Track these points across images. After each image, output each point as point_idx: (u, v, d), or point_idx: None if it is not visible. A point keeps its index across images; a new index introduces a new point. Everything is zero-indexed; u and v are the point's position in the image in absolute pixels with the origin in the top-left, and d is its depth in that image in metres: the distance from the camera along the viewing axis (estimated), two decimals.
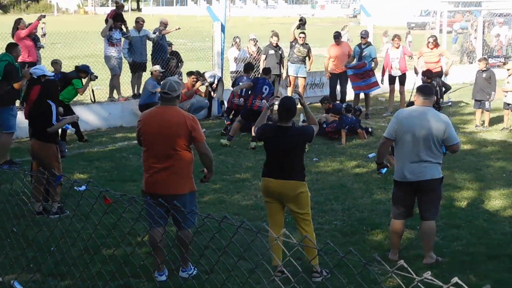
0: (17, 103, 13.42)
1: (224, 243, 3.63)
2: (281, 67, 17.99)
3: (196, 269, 7.22)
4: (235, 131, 14.14)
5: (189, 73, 16.60)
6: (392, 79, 17.70)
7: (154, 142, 6.90)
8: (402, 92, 17.73)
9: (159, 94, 15.14)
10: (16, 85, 12.01)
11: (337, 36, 18.29)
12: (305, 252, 6.95)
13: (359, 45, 17.47)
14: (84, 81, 14.14)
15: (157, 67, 15.91)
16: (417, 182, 7.53)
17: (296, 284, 3.13)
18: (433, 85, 14.33)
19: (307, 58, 18.08)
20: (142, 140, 7.04)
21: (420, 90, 7.72)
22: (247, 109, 14.18)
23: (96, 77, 14.44)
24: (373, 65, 17.30)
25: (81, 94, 14.28)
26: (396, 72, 17.48)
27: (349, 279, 6.86)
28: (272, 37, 17.95)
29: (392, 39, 17.87)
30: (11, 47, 12.46)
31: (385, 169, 8.52)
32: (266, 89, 14.26)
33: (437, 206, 7.75)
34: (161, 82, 7.25)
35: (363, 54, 17.19)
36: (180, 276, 7.05)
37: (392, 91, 17.84)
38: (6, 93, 12.04)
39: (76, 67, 14.37)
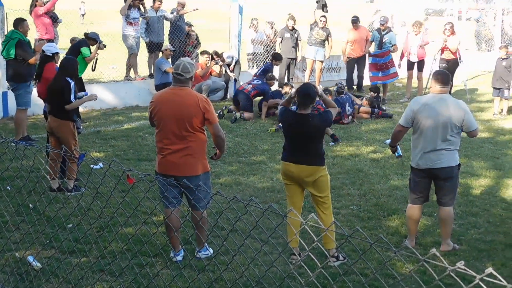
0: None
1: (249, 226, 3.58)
2: (297, 50, 17.91)
3: (211, 249, 7.23)
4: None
5: (203, 52, 16.55)
6: (410, 65, 17.58)
7: (167, 123, 6.88)
8: (419, 78, 17.60)
9: (171, 74, 15.30)
10: (31, 61, 12.03)
11: (355, 21, 18.20)
12: (323, 236, 6.93)
13: (378, 31, 17.34)
14: (93, 48, 13.76)
15: (168, 46, 15.91)
16: (434, 169, 7.50)
17: (316, 269, 3.10)
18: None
19: (326, 42, 17.98)
20: (155, 121, 7.01)
21: (437, 77, 7.60)
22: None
23: (105, 45, 14.23)
24: (392, 49, 17.23)
25: (88, 63, 13.74)
26: (414, 58, 17.35)
27: (374, 266, 6.85)
28: (288, 20, 17.86)
29: (412, 25, 17.70)
30: (18, 23, 12.36)
31: (399, 152, 8.45)
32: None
33: (454, 192, 7.71)
34: (175, 63, 7.19)
35: (384, 40, 17.10)
36: (197, 257, 7.05)
37: (410, 77, 17.73)
38: (22, 69, 12.10)
39: (85, 34, 14.08)
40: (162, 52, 15.89)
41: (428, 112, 7.45)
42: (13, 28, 12.41)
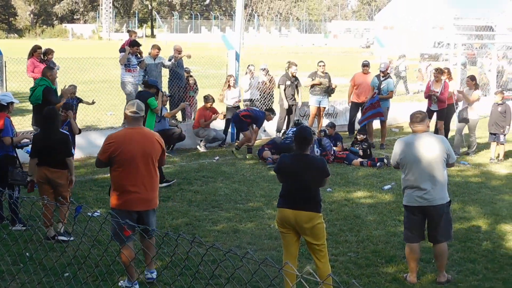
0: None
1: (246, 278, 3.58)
2: (296, 98, 18.02)
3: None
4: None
5: (206, 98, 16.64)
6: (431, 114, 16.39)
7: (133, 161, 7.27)
8: (440, 128, 16.66)
9: (168, 119, 15.55)
10: (57, 106, 12.18)
11: (367, 65, 18.32)
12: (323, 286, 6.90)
13: (377, 77, 17.35)
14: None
15: (165, 92, 16.05)
16: (427, 207, 7.73)
17: None
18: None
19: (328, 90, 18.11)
20: (117, 160, 7.31)
21: (415, 117, 7.94)
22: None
23: (170, 96, 14.15)
24: (388, 95, 17.23)
25: (157, 113, 13.58)
26: (435, 107, 16.59)
27: None
28: (290, 67, 17.95)
29: (435, 73, 16.76)
30: (46, 71, 12.87)
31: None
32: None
33: (448, 228, 7.89)
34: (129, 102, 7.54)
35: (382, 87, 17.14)
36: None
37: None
38: None
39: (145, 81, 13.93)
40: None
41: (414, 152, 7.75)
42: (41, 76, 12.82)
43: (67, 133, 9.39)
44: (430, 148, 7.73)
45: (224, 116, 17.12)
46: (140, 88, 17.12)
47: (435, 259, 8.12)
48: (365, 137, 15.87)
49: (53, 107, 10.28)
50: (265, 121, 16.15)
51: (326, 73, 18.20)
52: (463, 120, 16.00)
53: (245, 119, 15.64)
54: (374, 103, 17.00)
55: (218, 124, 17.30)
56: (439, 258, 7.98)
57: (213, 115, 16.53)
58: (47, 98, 12.44)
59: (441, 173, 7.73)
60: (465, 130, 16.27)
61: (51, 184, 9.38)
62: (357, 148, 15.66)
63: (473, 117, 15.93)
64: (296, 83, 17.88)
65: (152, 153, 7.42)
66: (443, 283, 7.93)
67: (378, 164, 14.73)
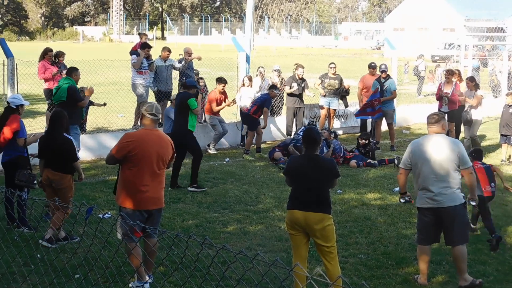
0: None
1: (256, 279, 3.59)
2: (303, 100, 18.03)
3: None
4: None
5: (220, 80, 16.60)
6: None
7: (148, 161, 7.48)
8: (451, 130, 16.33)
9: None
10: (81, 104, 13.15)
11: (374, 66, 18.27)
12: None
13: (378, 79, 17.24)
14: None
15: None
16: (437, 209, 7.73)
17: None
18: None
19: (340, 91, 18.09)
20: (133, 159, 7.46)
21: (430, 118, 7.95)
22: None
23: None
24: (392, 96, 17.13)
25: (197, 114, 13.46)
26: (445, 108, 16.51)
27: None
28: (297, 69, 17.97)
29: (446, 75, 16.97)
30: (71, 71, 13.34)
31: (406, 199, 8.57)
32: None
33: (464, 230, 7.85)
34: (148, 105, 7.66)
35: (384, 88, 17.04)
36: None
37: None
38: (73, 113, 12.58)
39: (183, 83, 13.94)
40: (171, 102, 16.00)
41: (425, 153, 7.75)
42: (66, 75, 13.30)
43: (70, 138, 9.38)
44: (439, 150, 7.70)
45: (235, 102, 17.00)
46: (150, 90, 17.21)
47: (455, 263, 8.04)
48: (367, 141, 15.82)
49: (62, 110, 10.26)
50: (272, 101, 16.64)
51: (338, 74, 18.19)
52: (467, 122, 15.94)
53: (255, 116, 15.89)
54: (374, 101, 16.87)
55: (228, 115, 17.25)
56: (457, 261, 7.91)
57: (225, 100, 16.53)
58: (72, 96, 12.85)
59: (451, 175, 7.67)
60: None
61: (53, 187, 9.39)
62: (360, 150, 15.67)
63: (476, 117, 15.87)
64: (303, 85, 17.87)
65: (165, 156, 7.65)
66: None
67: (374, 162, 14.94)
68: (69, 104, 12.63)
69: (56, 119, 9.54)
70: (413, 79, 33.32)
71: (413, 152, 7.89)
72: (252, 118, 16.00)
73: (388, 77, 17.27)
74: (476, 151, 10.92)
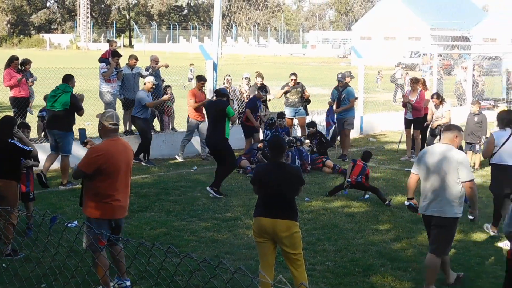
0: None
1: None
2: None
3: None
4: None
5: (200, 78, 16.75)
6: (407, 123, 16.88)
7: (120, 172, 7.51)
8: (416, 137, 16.80)
9: (150, 109, 15.57)
10: (80, 113, 13.60)
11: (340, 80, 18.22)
12: None
13: (337, 88, 17.23)
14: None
15: (151, 78, 16.00)
16: (427, 216, 7.90)
17: None
18: None
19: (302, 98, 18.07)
20: (106, 172, 7.41)
21: (445, 129, 8.08)
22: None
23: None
24: (350, 104, 17.09)
25: (234, 122, 13.95)
26: (410, 116, 16.73)
27: None
28: (256, 78, 18.14)
29: (411, 83, 17.08)
30: (68, 79, 13.46)
31: (411, 204, 8.49)
32: None
33: (443, 243, 7.86)
34: (107, 114, 7.56)
35: (342, 97, 17.00)
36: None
37: (407, 135, 17.04)
38: (71, 119, 13.46)
39: (217, 90, 13.88)
40: (144, 84, 16.06)
41: (424, 161, 7.90)
42: (63, 83, 13.42)
43: (15, 143, 9.05)
44: (438, 160, 7.76)
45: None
46: (116, 99, 17.11)
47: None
48: (315, 130, 16.03)
49: (12, 117, 10.24)
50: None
51: (299, 82, 18.01)
52: (434, 134, 15.98)
53: (248, 123, 16.37)
54: (329, 115, 16.99)
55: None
56: (426, 269, 7.97)
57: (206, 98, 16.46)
58: (75, 104, 13.23)
59: (447, 186, 7.66)
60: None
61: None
62: (312, 144, 15.95)
63: None
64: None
65: (130, 163, 7.74)
66: None
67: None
68: (70, 112, 13.19)
69: (5, 124, 9.26)
70: (387, 87, 33.70)
71: (419, 159, 8.08)
72: (245, 126, 16.39)
73: (345, 86, 17.18)
74: (365, 152, 13.53)
